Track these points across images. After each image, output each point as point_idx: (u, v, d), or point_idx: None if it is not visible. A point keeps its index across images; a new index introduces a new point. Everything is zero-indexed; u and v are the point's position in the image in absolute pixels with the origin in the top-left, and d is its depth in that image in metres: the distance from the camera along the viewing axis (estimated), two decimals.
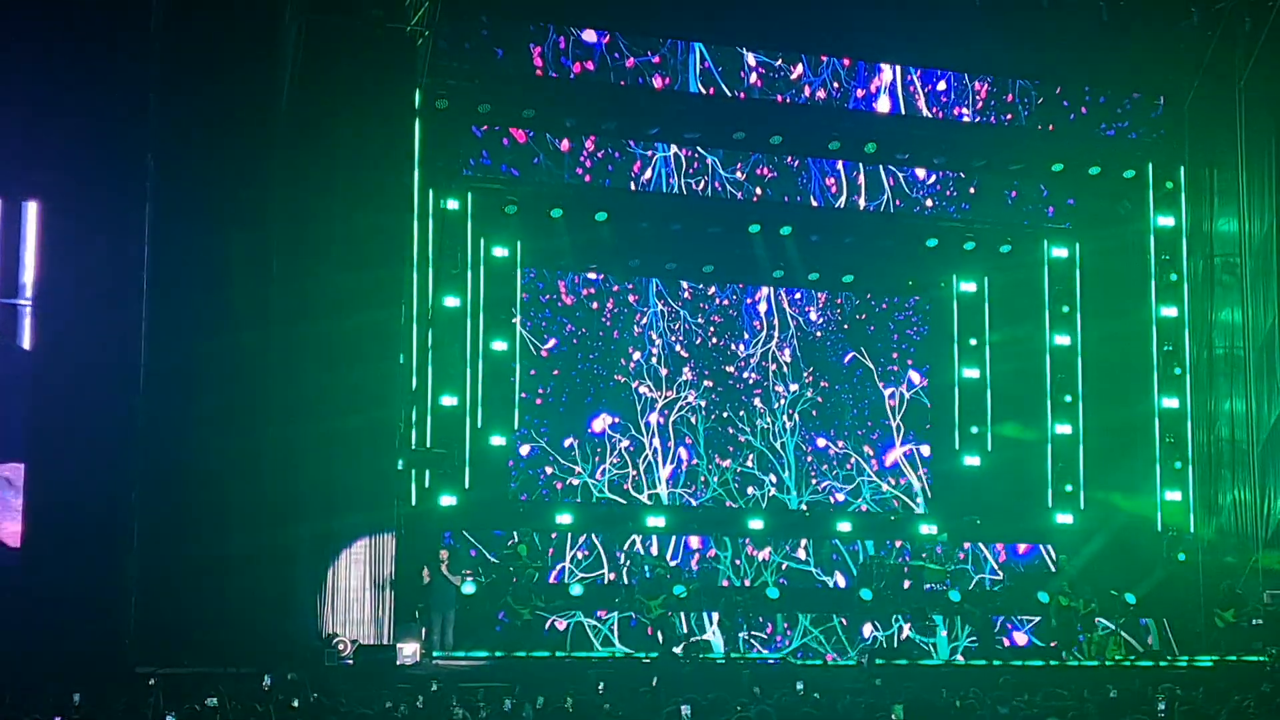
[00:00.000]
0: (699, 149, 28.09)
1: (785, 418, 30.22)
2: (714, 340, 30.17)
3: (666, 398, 29.60)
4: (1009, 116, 28.97)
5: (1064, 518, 29.44)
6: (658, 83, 27.06)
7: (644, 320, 29.62)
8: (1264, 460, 27.57)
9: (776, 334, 30.41)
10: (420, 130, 25.40)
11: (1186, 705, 15.46)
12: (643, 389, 29.44)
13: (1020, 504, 29.79)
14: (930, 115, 28.60)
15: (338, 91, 23.62)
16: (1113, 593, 27.25)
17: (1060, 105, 29.20)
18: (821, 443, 30.35)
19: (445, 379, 26.44)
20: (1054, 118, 29.24)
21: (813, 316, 30.53)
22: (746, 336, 30.29)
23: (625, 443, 29.15)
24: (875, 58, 28.28)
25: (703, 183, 28.24)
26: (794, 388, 30.40)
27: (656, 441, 29.40)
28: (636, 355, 29.54)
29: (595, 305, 29.38)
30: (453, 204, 26.71)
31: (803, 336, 30.57)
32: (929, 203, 29.54)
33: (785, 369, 30.42)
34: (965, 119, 28.72)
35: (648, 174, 27.98)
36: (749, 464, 29.85)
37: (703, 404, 29.80)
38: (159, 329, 22.16)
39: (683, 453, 29.61)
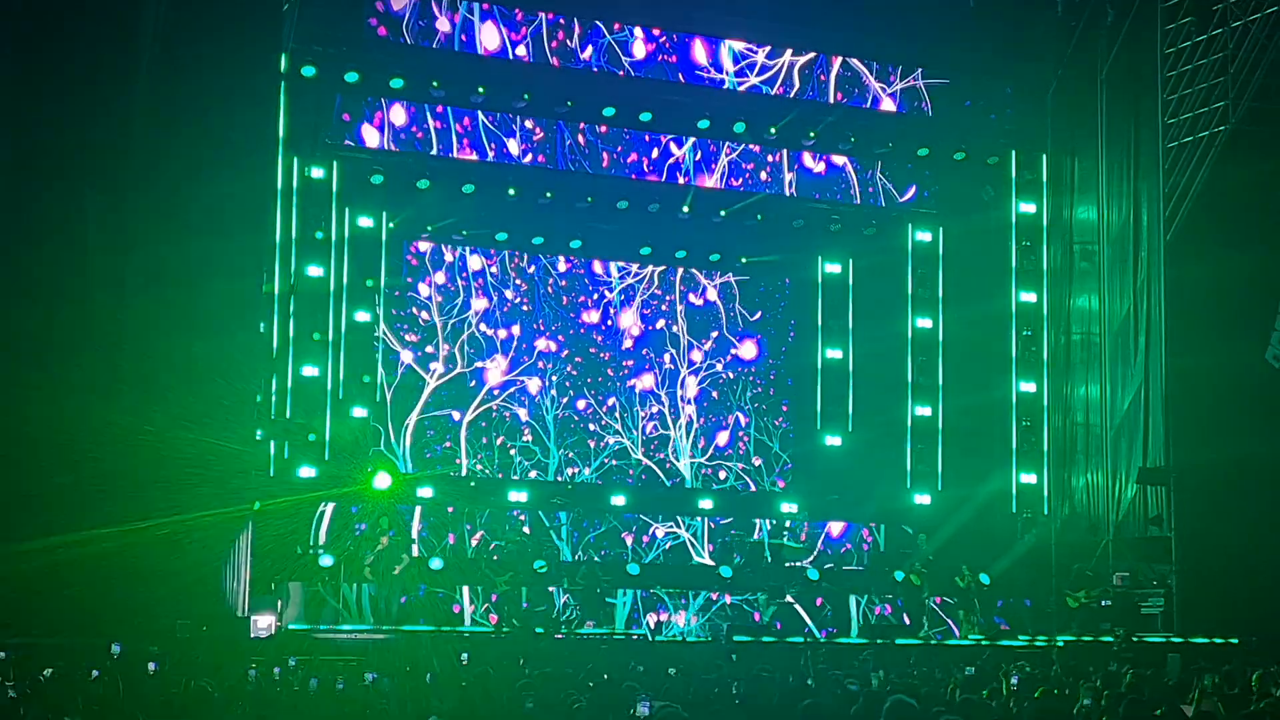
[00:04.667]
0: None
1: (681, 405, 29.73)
2: (565, 285, 29.29)
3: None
4: (878, 101, 29.26)
5: (922, 498, 29.75)
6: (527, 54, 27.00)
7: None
8: (1117, 445, 28.08)
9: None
10: (285, 97, 25.01)
11: (1040, 683, 15.72)
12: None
13: (879, 484, 30.03)
14: (797, 97, 28.80)
15: (200, 54, 23.12)
16: (967, 572, 27.58)
17: (926, 91, 29.49)
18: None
19: (306, 349, 26.06)
20: (919, 103, 29.58)
21: (694, 300, 30.48)
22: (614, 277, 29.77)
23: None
24: (736, 36, 28.38)
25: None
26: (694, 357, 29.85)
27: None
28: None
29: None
30: (318, 172, 26.33)
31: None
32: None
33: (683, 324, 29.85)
34: (832, 102, 29.00)
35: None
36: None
37: (549, 382, 29.18)
38: (8, 295, 21.61)
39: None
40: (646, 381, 29.71)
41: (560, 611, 26.49)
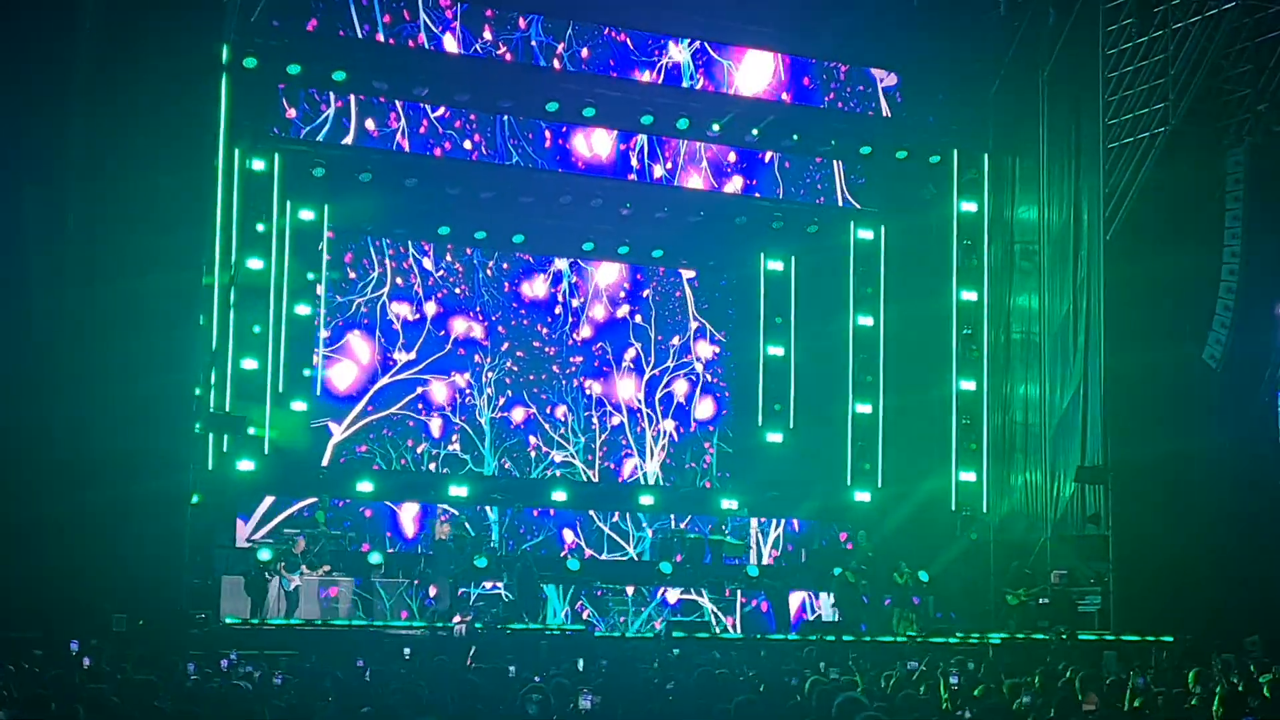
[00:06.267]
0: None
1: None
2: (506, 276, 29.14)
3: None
4: (828, 98, 29.41)
5: (861, 495, 29.83)
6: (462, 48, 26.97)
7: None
8: (1055, 444, 28.24)
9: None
10: (226, 88, 24.84)
11: (980, 680, 15.79)
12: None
13: (819, 481, 30.10)
14: (742, 94, 28.86)
15: (140, 45, 22.89)
16: (906, 569, 27.68)
17: (869, 89, 29.60)
18: None
19: (246, 342, 25.87)
20: (863, 101, 29.68)
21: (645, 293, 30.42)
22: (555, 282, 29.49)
23: None
24: (680, 34, 28.41)
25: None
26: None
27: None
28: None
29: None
30: (259, 165, 26.13)
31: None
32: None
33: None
34: (775, 99, 29.08)
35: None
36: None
37: (487, 379, 29.03)
38: None
39: None
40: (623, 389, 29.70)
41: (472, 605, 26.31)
